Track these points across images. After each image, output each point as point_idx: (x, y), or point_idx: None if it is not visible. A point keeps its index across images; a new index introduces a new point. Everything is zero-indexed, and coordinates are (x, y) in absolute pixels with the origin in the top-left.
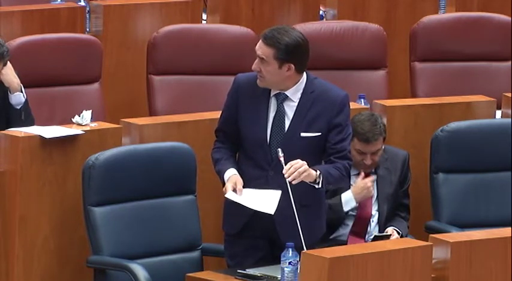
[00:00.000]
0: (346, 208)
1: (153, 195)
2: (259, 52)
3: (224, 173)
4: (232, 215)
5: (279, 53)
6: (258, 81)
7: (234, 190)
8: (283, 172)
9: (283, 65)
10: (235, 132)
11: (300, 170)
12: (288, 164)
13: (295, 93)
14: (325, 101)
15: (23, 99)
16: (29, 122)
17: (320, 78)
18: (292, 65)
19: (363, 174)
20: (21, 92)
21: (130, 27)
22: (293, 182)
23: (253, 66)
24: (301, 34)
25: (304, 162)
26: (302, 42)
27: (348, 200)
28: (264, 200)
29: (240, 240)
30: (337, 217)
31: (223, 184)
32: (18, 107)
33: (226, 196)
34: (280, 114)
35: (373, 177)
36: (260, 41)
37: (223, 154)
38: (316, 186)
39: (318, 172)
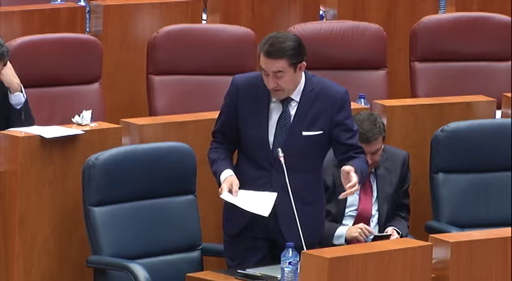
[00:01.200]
0: (334, 241)
1: (153, 195)
2: (273, 68)
3: (220, 173)
4: (233, 216)
5: (291, 59)
6: (275, 95)
7: (230, 191)
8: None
9: (297, 67)
10: (234, 133)
11: (355, 188)
12: (350, 186)
13: (296, 93)
14: (325, 99)
15: (23, 99)
16: (29, 122)
17: (318, 76)
18: (303, 62)
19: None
20: (21, 92)
21: (130, 27)
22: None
23: (270, 85)
24: (292, 34)
25: (356, 180)
26: (298, 39)
27: (339, 235)
28: (259, 202)
29: (240, 241)
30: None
31: (219, 184)
32: (18, 107)
33: (221, 196)
34: (286, 115)
35: (367, 232)
36: (265, 58)
37: (220, 154)
38: None
39: (357, 177)
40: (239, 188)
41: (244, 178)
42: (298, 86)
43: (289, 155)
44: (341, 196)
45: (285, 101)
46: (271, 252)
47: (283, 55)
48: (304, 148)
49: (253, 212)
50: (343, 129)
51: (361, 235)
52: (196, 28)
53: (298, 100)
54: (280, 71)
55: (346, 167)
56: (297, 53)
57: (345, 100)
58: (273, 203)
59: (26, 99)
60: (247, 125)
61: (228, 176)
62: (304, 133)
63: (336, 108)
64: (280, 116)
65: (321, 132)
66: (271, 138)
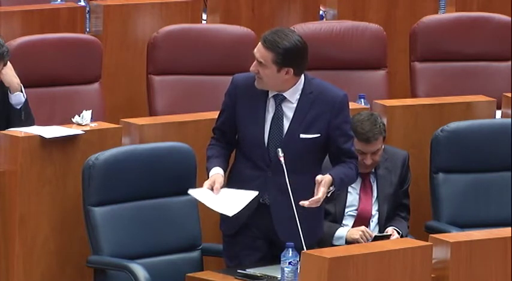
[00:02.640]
0: (334, 242)
1: (153, 195)
2: (257, 55)
3: (210, 171)
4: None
5: (277, 58)
6: (255, 82)
7: (212, 189)
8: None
9: (282, 69)
10: (233, 131)
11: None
12: (313, 200)
13: (293, 95)
14: (324, 102)
15: (23, 99)
16: (30, 122)
17: (318, 79)
18: (291, 69)
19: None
20: (21, 92)
21: (130, 27)
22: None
23: (252, 68)
24: (300, 38)
25: (320, 195)
26: (301, 47)
27: (339, 237)
28: (230, 201)
29: (239, 241)
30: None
31: None
32: (18, 107)
33: (189, 191)
34: (278, 115)
35: (368, 235)
36: (259, 43)
37: (216, 151)
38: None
39: (332, 188)
40: (229, 187)
41: (241, 177)
42: (294, 87)
43: (286, 156)
44: (304, 204)
45: (278, 99)
46: (271, 252)
47: (273, 49)
48: (302, 150)
49: (217, 211)
50: (340, 134)
51: (362, 238)
52: (196, 28)
53: (294, 101)
54: (261, 62)
55: (319, 177)
56: (288, 56)
57: (344, 104)
58: (247, 202)
59: (26, 99)
60: (245, 124)
61: (213, 174)
62: (302, 136)
63: (334, 112)
64: (273, 115)
65: (319, 135)
66: (266, 138)
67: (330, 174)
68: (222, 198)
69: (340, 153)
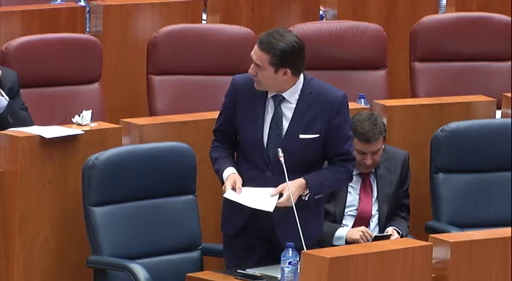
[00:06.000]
0: (334, 242)
1: (153, 195)
2: (254, 58)
3: (223, 172)
4: (231, 216)
5: (274, 59)
6: (255, 84)
7: (234, 189)
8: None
9: (279, 70)
10: (233, 132)
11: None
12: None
13: (292, 95)
14: (323, 102)
15: (5, 103)
16: (22, 123)
17: (317, 79)
18: (289, 70)
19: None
20: (2, 96)
21: (130, 27)
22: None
23: (250, 71)
24: (296, 38)
25: (282, 201)
26: (298, 47)
27: (339, 237)
28: (262, 199)
29: (239, 241)
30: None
31: (222, 182)
32: (1, 112)
33: (224, 195)
34: (277, 116)
35: (368, 236)
36: (256, 46)
37: (222, 152)
38: (303, 198)
39: (307, 191)
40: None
41: (242, 178)
42: (293, 87)
43: (286, 157)
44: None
45: (277, 100)
46: (271, 252)
47: (268, 50)
48: (301, 150)
49: (258, 208)
50: (338, 134)
51: (362, 238)
52: (196, 28)
53: (294, 102)
54: (258, 64)
55: (282, 184)
56: (284, 57)
57: (343, 104)
58: (278, 198)
59: (9, 103)
60: (244, 125)
61: (230, 173)
62: (301, 136)
63: (333, 112)
64: (273, 116)
65: (318, 135)
66: (265, 138)
67: (304, 178)
68: (252, 196)
69: (336, 154)
